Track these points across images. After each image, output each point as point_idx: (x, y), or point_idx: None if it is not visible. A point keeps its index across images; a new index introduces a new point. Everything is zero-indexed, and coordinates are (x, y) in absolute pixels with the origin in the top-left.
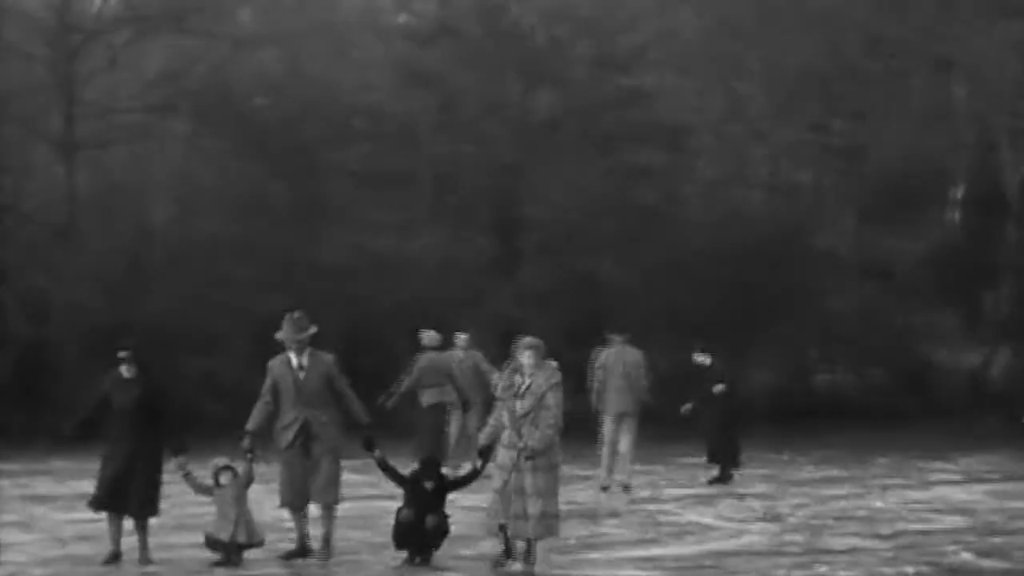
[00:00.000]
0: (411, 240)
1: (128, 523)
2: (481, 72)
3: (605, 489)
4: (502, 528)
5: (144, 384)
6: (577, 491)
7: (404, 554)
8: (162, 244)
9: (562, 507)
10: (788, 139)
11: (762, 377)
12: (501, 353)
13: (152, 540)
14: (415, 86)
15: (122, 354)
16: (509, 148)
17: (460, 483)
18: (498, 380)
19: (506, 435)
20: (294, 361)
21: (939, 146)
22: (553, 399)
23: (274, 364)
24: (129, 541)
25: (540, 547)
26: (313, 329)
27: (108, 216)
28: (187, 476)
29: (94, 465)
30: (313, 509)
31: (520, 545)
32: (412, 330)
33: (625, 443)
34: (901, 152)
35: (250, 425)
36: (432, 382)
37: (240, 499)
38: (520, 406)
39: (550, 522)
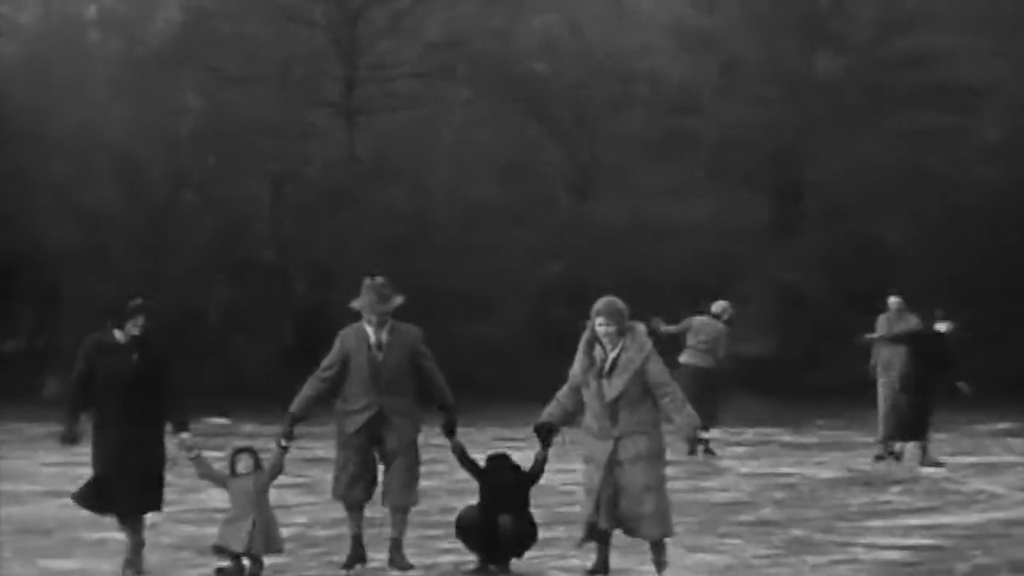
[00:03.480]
0: (689, 204)
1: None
2: (762, 34)
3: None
4: (601, 534)
5: (143, 348)
6: (858, 458)
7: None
8: (440, 209)
9: (844, 474)
10: None
11: None
12: (777, 318)
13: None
14: (695, 49)
15: (137, 302)
16: (790, 111)
17: (535, 476)
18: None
19: (594, 424)
20: (372, 337)
21: None
22: (661, 371)
23: (347, 335)
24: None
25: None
26: (399, 299)
27: (387, 181)
28: (196, 459)
29: None
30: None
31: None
32: (689, 296)
33: None
34: None
35: (294, 407)
36: (690, 343)
37: (261, 496)
38: (609, 387)
39: (666, 519)
